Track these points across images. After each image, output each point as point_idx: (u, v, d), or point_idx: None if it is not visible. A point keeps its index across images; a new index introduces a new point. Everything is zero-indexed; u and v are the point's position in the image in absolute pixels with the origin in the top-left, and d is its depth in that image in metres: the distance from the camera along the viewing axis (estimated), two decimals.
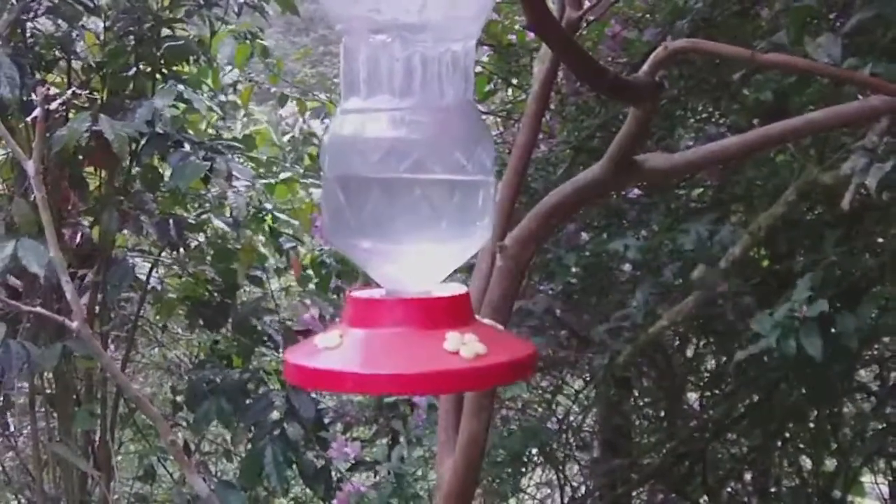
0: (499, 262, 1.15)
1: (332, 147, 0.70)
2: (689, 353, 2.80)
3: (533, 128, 1.27)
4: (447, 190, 0.68)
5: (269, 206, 2.72)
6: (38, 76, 2.34)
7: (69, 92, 1.54)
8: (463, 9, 0.71)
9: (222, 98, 2.79)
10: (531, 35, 2.13)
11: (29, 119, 1.75)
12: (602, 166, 1.07)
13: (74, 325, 1.25)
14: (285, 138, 3.30)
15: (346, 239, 0.70)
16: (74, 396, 2.62)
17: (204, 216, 2.69)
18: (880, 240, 2.12)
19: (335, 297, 2.80)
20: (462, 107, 0.70)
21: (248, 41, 2.65)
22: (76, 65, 2.48)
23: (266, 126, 3.28)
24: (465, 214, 0.69)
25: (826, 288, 1.67)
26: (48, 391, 2.66)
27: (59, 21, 2.35)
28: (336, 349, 0.67)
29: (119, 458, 3.10)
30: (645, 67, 0.96)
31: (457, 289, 0.71)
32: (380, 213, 0.68)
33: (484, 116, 2.50)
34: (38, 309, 1.46)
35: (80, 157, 2.22)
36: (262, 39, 2.71)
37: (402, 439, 2.53)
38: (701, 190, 2.24)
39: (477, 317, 0.72)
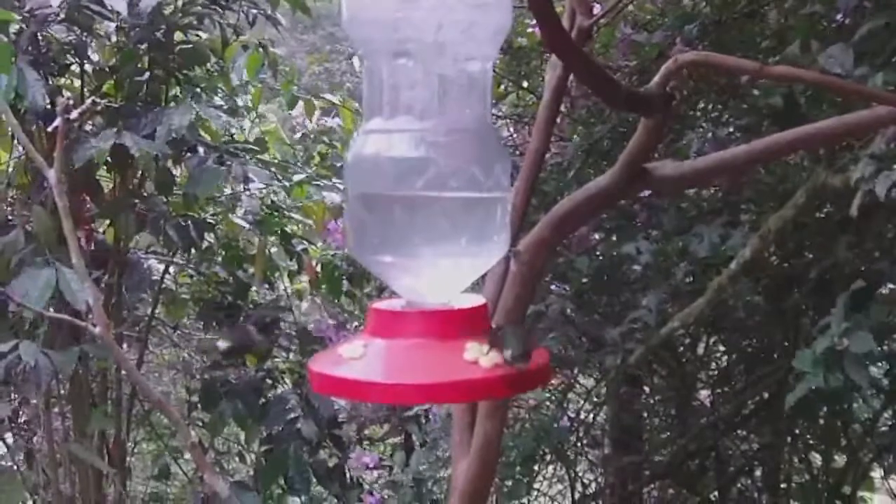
0: (513, 268, 1.16)
1: (355, 166, 0.73)
2: (700, 350, 2.81)
3: (544, 135, 1.28)
4: (466, 207, 0.70)
5: (283, 206, 2.73)
6: (51, 82, 2.37)
7: (89, 101, 1.56)
8: (479, 29, 0.73)
9: (238, 101, 2.80)
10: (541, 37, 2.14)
11: (50, 128, 1.77)
12: (613, 174, 1.09)
13: (97, 330, 1.27)
14: (296, 136, 3.31)
15: (369, 254, 0.73)
16: (89, 397, 2.64)
17: (218, 216, 2.71)
18: (890, 236, 2.12)
19: (347, 300, 2.82)
20: (480, 127, 0.72)
21: (260, 50, 2.67)
22: (89, 68, 2.50)
23: (276, 125, 3.30)
24: (483, 230, 0.71)
25: (839, 289, 1.67)
26: (62, 392, 2.68)
27: (73, 27, 2.37)
28: (360, 359, 0.69)
29: (132, 457, 3.12)
30: (656, 79, 0.98)
31: (475, 300, 0.73)
32: (401, 230, 0.70)
33: (495, 120, 2.52)
34: (65, 317, 1.48)
35: (96, 162, 2.24)
36: (273, 49, 2.73)
37: (416, 442, 2.55)
38: (711, 192, 2.25)
39: (494, 326, 0.74)
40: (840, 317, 1.62)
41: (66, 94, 2.36)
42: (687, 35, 1.84)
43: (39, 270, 2.07)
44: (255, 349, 2.23)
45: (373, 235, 0.71)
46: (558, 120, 2.14)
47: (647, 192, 2.18)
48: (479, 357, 0.66)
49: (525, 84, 2.34)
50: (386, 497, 2.45)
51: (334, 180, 2.79)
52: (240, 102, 2.85)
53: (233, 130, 2.83)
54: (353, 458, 2.51)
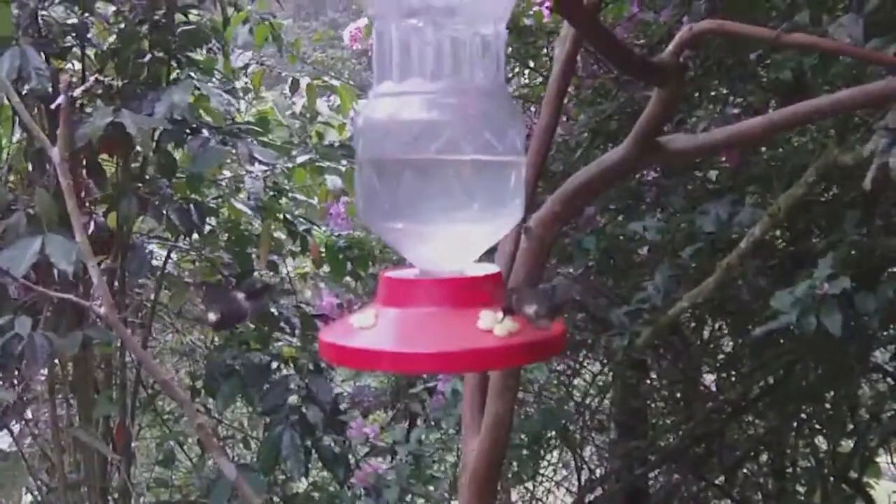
0: (523, 243, 1.15)
1: (366, 130, 0.71)
2: (705, 334, 2.79)
3: (555, 109, 1.26)
4: (479, 171, 0.68)
5: (286, 188, 2.71)
6: (52, 64, 2.35)
7: (92, 79, 1.54)
8: None
9: (237, 84, 2.78)
10: (548, 17, 2.12)
11: (53, 106, 1.75)
12: (626, 147, 1.07)
13: (102, 310, 1.25)
14: (288, 113, 3.28)
15: (380, 220, 0.71)
16: (94, 383, 2.63)
17: (220, 200, 2.68)
18: None
19: (351, 281, 2.80)
20: (493, 90, 0.70)
21: (264, 22, 2.65)
22: (90, 52, 2.48)
23: (271, 105, 3.27)
24: (496, 195, 0.69)
25: (846, 268, 1.67)
26: (67, 378, 2.66)
27: (73, 9, 2.35)
28: (371, 329, 0.67)
29: (136, 443, 3.11)
30: (670, 48, 0.96)
31: (489, 268, 0.72)
32: (413, 194, 0.68)
33: None
34: (70, 296, 1.45)
35: (97, 145, 2.21)
36: (277, 21, 2.72)
37: (419, 422, 2.53)
38: (718, 172, 2.23)
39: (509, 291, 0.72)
40: (827, 264, 1.64)
41: (66, 75, 2.34)
42: (695, 13, 1.83)
43: (28, 240, 2.04)
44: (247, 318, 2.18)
45: (384, 201, 0.69)
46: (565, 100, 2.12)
47: (653, 174, 2.18)
48: (494, 326, 0.65)
49: (531, 64, 2.32)
50: (382, 470, 2.43)
51: (334, 164, 2.76)
52: (239, 84, 2.83)
53: (232, 112, 2.81)
54: (353, 427, 2.49)
